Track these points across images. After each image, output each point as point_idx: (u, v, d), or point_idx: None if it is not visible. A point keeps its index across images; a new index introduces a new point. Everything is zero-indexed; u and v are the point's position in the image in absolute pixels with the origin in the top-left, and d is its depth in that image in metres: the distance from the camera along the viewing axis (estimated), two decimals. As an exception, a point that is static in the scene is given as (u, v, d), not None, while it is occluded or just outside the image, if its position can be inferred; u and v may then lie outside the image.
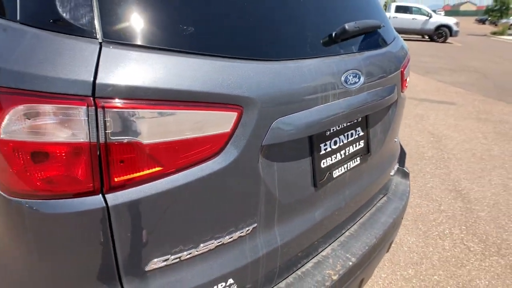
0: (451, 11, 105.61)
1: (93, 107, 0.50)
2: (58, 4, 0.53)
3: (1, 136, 0.50)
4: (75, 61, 0.51)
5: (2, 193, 0.52)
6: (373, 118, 0.98)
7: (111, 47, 0.52)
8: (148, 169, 0.55)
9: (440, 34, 12.69)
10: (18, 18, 0.53)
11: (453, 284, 1.44)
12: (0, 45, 0.52)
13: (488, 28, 25.84)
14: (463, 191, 2.18)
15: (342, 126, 0.87)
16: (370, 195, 1.07)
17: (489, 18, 34.02)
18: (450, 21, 12.93)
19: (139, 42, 0.54)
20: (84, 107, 0.50)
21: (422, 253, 1.61)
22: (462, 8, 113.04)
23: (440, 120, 3.60)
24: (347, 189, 0.93)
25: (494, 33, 18.63)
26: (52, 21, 0.53)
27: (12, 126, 0.49)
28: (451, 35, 12.68)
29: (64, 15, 0.51)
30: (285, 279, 0.81)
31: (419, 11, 12.97)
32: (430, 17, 12.73)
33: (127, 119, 0.53)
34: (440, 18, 13.23)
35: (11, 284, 0.58)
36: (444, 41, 12.66)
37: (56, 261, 0.54)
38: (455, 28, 12.69)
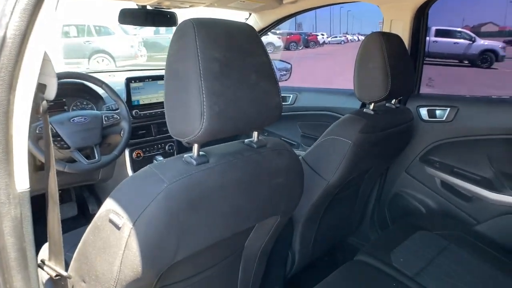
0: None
1: None
2: None
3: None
4: None
5: None
6: None
7: None
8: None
9: (485, 59, 12.04)
10: None
11: None
12: None
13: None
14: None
15: None
16: None
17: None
18: (496, 45, 12.26)
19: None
20: None
21: None
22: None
23: None
24: None
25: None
26: None
27: None
28: (496, 60, 11.99)
29: None
30: None
31: (460, 35, 12.44)
32: (474, 41, 12.15)
33: None
34: (484, 43, 12.60)
35: None
36: (489, 67, 11.98)
37: None
38: (501, 52, 12.00)
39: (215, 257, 0.97)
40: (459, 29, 13.36)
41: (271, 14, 2.00)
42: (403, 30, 1.59)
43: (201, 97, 0.68)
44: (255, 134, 0.88)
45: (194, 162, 0.75)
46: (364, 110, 1.34)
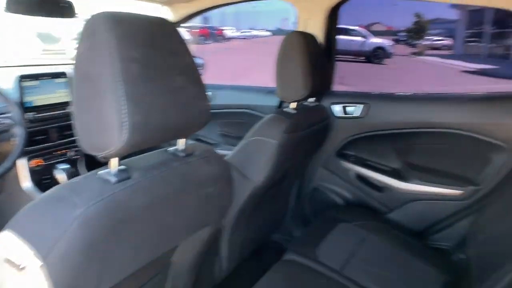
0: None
1: None
2: None
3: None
4: None
5: None
6: None
7: None
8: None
9: (377, 55, 13.28)
10: None
11: None
12: None
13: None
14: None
15: None
16: None
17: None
18: (385, 43, 13.61)
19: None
20: None
21: None
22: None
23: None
24: None
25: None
26: None
27: None
28: (385, 57, 13.31)
29: None
30: None
31: (356, 33, 13.52)
32: (366, 38, 13.32)
33: None
34: (376, 40, 13.87)
35: None
36: (379, 63, 13.24)
37: None
38: (389, 50, 13.39)
39: (142, 278, 0.87)
40: (353, 27, 14.49)
41: (184, 8, 1.90)
42: (317, 29, 1.62)
43: (120, 104, 0.58)
44: (182, 141, 0.80)
45: (113, 179, 0.65)
46: (286, 110, 1.33)
